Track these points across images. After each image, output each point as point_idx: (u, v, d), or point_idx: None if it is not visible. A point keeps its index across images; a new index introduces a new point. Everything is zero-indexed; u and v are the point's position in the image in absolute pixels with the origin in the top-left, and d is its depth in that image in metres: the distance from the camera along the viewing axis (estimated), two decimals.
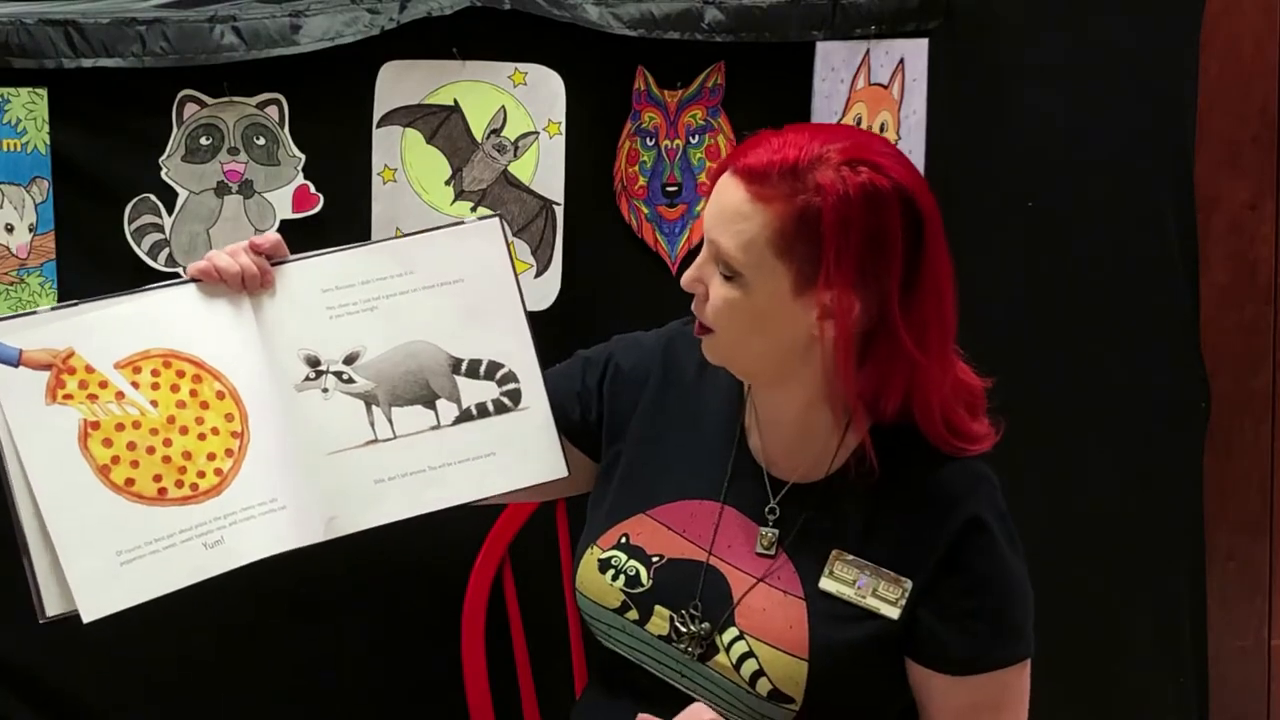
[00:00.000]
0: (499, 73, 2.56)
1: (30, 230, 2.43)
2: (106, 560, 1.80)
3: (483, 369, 1.98)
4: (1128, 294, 2.99)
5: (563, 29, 2.55)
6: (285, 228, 2.52)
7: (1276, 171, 3.26)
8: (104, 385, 1.83)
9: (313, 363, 1.94)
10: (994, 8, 2.83)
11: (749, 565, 1.87)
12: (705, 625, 1.85)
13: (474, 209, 2.58)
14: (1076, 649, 3.03)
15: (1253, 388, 3.30)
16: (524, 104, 2.58)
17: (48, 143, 2.42)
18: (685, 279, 1.84)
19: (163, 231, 2.48)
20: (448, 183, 2.58)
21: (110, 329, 1.87)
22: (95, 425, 1.81)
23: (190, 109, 2.47)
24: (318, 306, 1.95)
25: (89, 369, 1.83)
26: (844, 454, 1.87)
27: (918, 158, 2.78)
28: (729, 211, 1.78)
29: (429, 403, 1.96)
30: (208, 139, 2.48)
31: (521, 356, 1.99)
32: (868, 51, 2.71)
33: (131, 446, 1.82)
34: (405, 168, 2.55)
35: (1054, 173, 2.92)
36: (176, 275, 2.49)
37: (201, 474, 1.84)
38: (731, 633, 1.85)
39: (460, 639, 2.42)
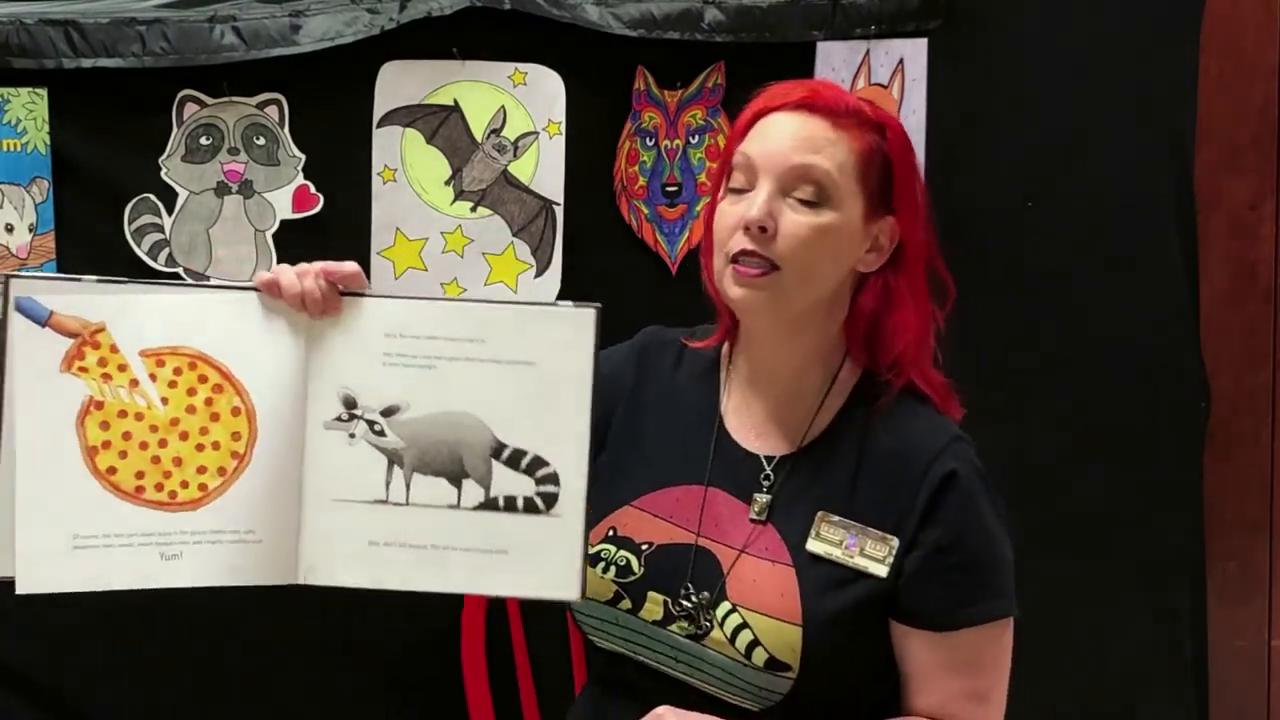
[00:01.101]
0: (499, 73, 2.56)
1: (30, 230, 2.43)
2: (61, 539, 1.77)
3: (524, 462, 1.84)
4: (1128, 294, 2.99)
5: (563, 29, 2.55)
6: (285, 227, 2.52)
7: (1276, 171, 3.26)
8: (122, 369, 1.80)
9: (349, 404, 1.84)
10: (994, 8, 2.83)
11: (737, 541, 1.88)
12: (705, 594, 1.86)
13: (474, 209, 2.58)
14: (1076, 648, 3.02)
15: (1253, 388, 3.30)
16: (524, 104, 2.58)
17: (48, 143, 2.42)
18: (757, 215, 1.79)
19: (163, 231, 2.48)
20: (447, 183, 2.58)
21: (149, 315, 1.82)
22: (99, 405, 1.79)
23: (190, 109, 2.47)
24: (375, 349, 1.84)
25: (113, 348, 1.80)
26: (825, 418, 1.88)
27: (918, 158, 2.78)
28: (816, 138, 1.82)
29: (455, 479, 1.83)
30: (208, 139, 2.48)
31: (572, 462, 1.83)
32: (868, 51, 2.71)
33: (126, 436, 1.80)
34: (405, 168, 2.55)
35: (1054, 173, 2.91)
36: (176, 275, 2.50)
37: (184, 484, 1.81)
38: (725, 607, 1.85)
39: (460, 639, 2.42)
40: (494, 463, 1.83)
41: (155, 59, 2.43)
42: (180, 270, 2.50)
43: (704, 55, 2.66)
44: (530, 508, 1.83)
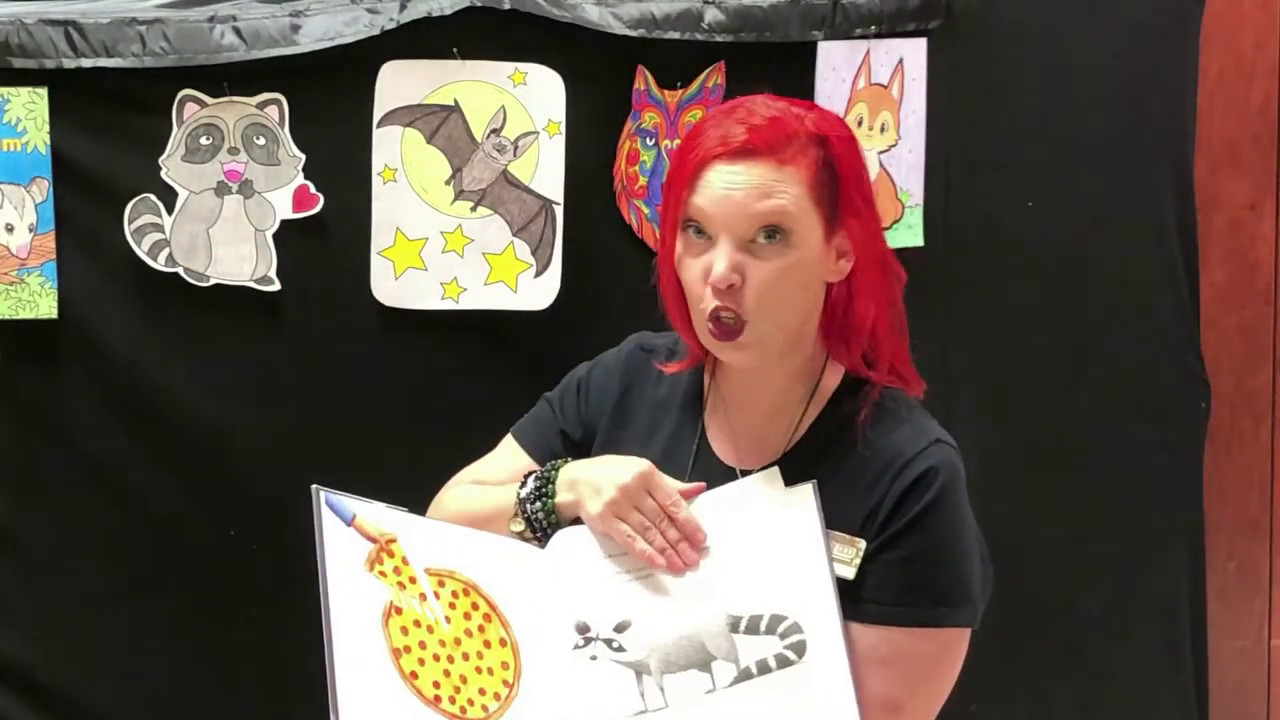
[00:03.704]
0: (499, 72, 2.56)
1: (30, 230, 2.43)
2: None
3: (764, 624, 1.82)
4: (1128, 294, 2.99)
5: (563, 29, 2.55)
6: (285, 227, 2.52)
7: (1276, 171, 3.26)
8: (412, 580, 1.81)
9: (582, 629, 1.84)
10: (994, 8, 2.83)
11: None
12: None
13: (474, 208, 2.58)
14: (1076, 649, 3.03)
15: (1253, 388, 3.30)
16: (524, 104, 2.58)
17: (48, 143, 2.42)
18: (722, 275, 1.79)
19: (163, 231, 2.48)
20: (448, 182, 2.58)
21: (433, 537, 1.86)
22: (398, 610, 1.79)
23: (190, 109, 2.47)
24: (593, 573, 1.86)
25: (404, 561, 1.82)
26: (804, 427, 1.88)
27: (918, 157, 2.78)
28: (761, 185, 1.80)
29: (704, 666, 1.81)
30: (208, 139, 2.48)
31: (812, 601, 1.80)
32: (868, 51, 2.71)
33: (422, 645, 1.79)
34: (405, 168, 2.55)
35: (1054, 172, 2.91)
36: (176, 275, 2.50)
37: (471, 702, 1.79)
38: None
39: None
40: (735, 636, 1.81)
41: (155, 59, 2.43)
42: (180, 270, 2.50)
43: (704, 55, 2.66)
44: (783, 663, 1.80)
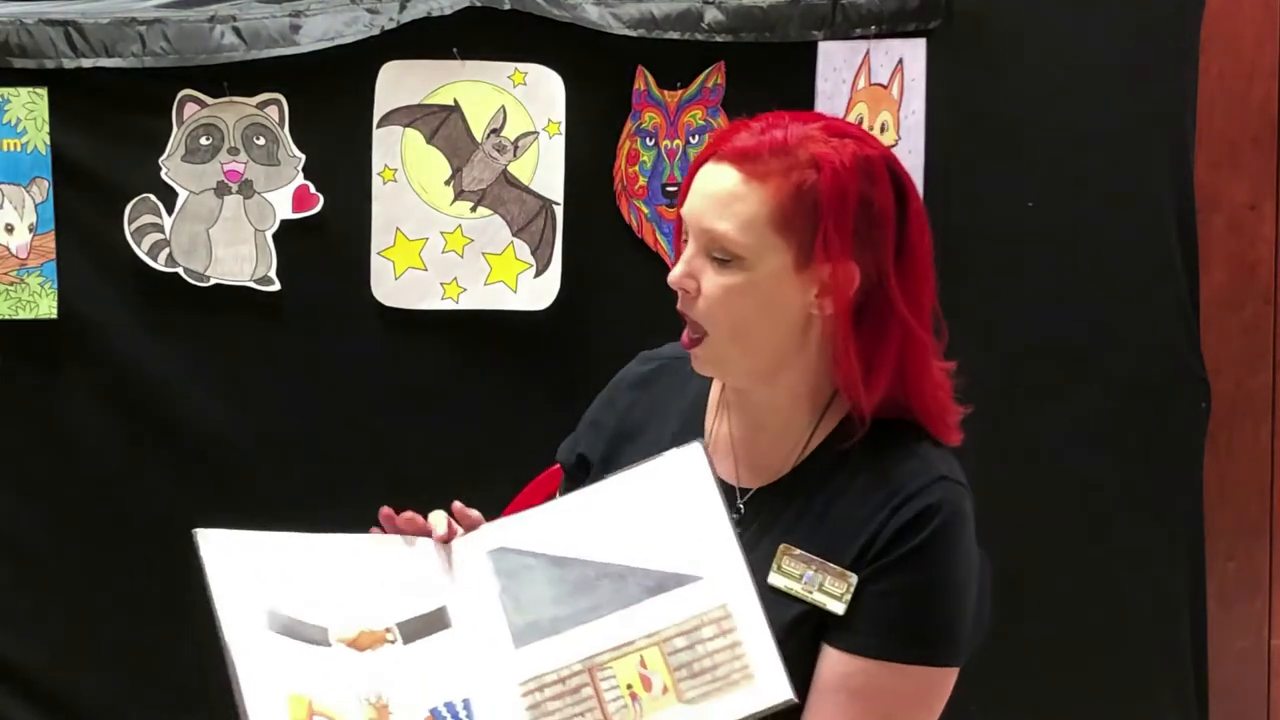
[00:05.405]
0: (499, 73, 2.57)
1: (30, 230, 2.44)
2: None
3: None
4: (1128, 294, 2.99)
5: (563, 29, 2.56)
6: (285, 227, 2.52)
7: (1276, 171, 3.26)
8: None
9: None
10: (994, 8, 2.83)
11: None
12: None
13: (474, 209, 2.58)
14: (1077, 649, 3.03)
15: (1253, 388, 3.30)
16: (524, 104, 2.58)
17: (48, 143, 2.42)
18: (675, 277, 1.77)
19: (163, 231, 2.48)
20: (448, 182, 2.58)
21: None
22: None
23: (190, 109, 2.47)
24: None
25: None
26: (808, 451, 1.86)
27: (918, 157, 2.78)
28: (721, 195, 1.75)
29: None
30: (208, 139, 2.48)
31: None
32: (868, 52, 2.71)
33: None
34: (405, 168, 2.55)
35: (1054, 173, 2.92)
36: (176, 275, 2.50)
37: None
38: None
39: None
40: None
41: (155, 59, 2.43)
42: (180, 270, 2.50)
43: (704, 55, 2.66)
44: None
